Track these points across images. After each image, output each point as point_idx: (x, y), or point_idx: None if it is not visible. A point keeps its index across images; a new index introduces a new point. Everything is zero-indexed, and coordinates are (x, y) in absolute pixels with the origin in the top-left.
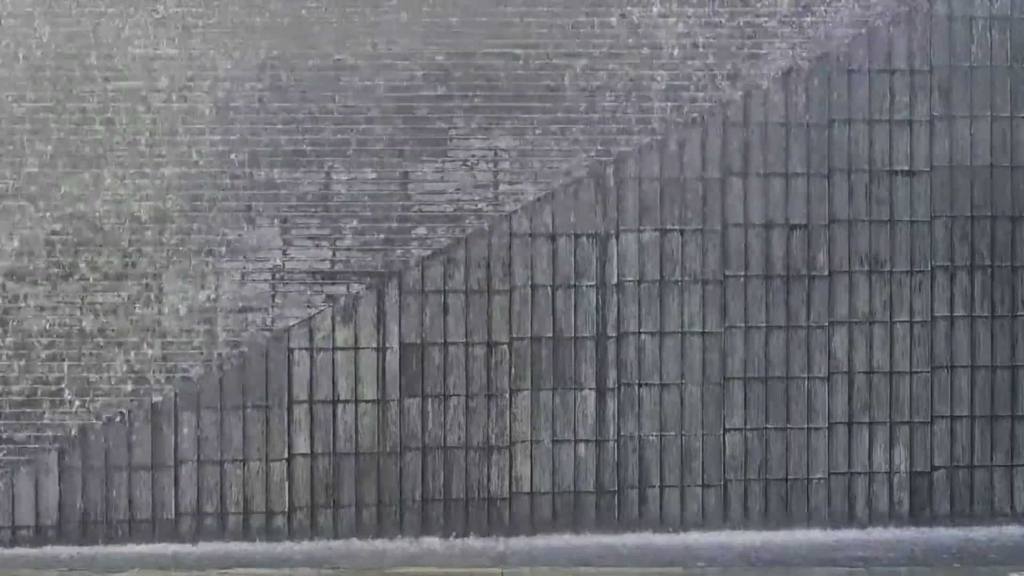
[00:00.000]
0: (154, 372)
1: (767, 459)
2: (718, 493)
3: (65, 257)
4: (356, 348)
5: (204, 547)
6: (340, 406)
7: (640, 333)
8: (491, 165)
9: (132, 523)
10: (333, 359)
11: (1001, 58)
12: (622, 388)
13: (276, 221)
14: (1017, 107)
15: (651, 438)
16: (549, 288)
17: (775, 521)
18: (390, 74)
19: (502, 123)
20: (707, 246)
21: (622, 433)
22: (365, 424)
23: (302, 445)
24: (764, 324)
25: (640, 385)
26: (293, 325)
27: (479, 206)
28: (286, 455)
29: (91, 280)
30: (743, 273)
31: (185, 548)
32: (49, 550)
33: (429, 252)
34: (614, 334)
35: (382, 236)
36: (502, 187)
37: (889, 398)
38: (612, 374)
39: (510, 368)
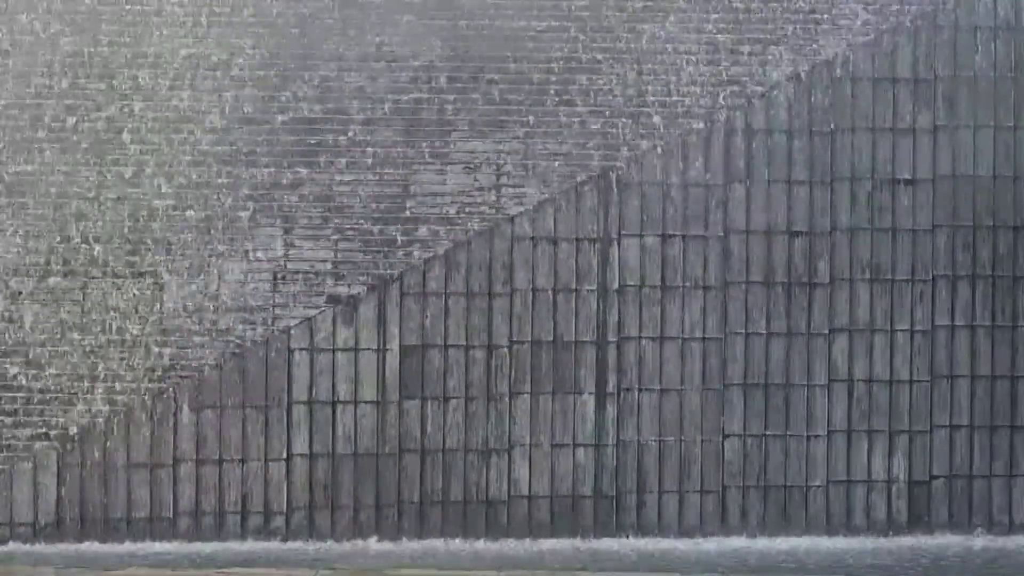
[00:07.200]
0: (153, 371)
1: (766, 466)
2: (716, 499)
3: (65, 255)
4: (356, 349)
5: (202, 546)
6: (339, 407)
7: (640, 338)
8: (493, 168)
9: (130, 521)
10: (333, 360)
11: (1005, 68)
12: (622, 393)
13: (277, 221)
14: (1020, 117)
15: (650, 443)
16: (550, 292)
17: (773, 528)
18: (393, 75)
19: (505, 126)
20: (708, 252)
21: (621, 438)
22: (364, 425)
23: (301, 445)
24: (764, 331)
25: (640, 390)
26: (293, 325)
27: (481, 209)
28: (285, 455)
29: (91, 278)
30: (744, 280)
31: (183, 547)
32: (47, 547)
33: (431, 254)
34: (614, 339)
35: (384, 237)
36: (504, 190)
37: (889, 407)
38: (612, 379)
39: (510, 371)
